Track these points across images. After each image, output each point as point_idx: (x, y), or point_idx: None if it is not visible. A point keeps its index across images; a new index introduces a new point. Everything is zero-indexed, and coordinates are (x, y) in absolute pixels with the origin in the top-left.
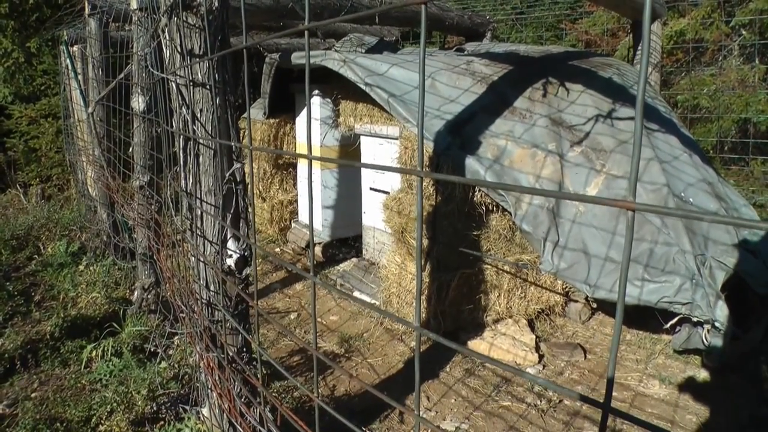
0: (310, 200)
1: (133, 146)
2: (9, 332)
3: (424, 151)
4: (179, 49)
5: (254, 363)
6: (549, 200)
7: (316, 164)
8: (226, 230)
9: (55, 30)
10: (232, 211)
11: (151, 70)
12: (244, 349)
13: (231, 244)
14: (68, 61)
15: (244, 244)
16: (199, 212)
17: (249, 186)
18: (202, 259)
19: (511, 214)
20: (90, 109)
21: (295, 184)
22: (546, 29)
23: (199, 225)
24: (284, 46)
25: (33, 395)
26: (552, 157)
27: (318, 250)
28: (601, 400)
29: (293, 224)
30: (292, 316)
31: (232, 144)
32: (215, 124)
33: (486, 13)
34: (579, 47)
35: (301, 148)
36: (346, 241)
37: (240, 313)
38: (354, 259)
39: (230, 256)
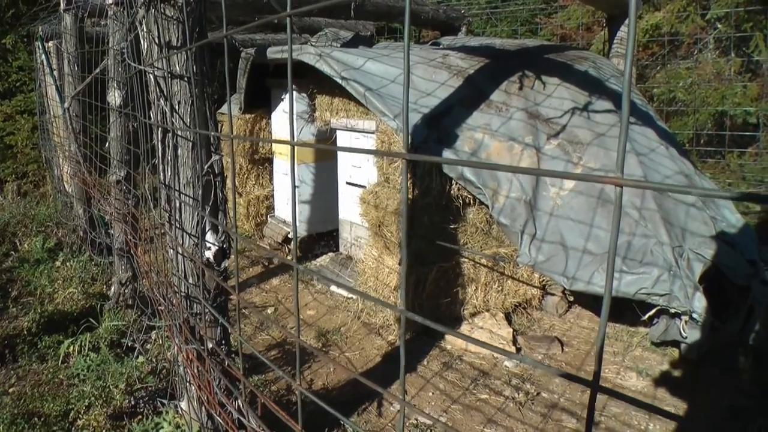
0: (293, 189)
1: (109, 141)
2: None
3: (401, 144)
4: (157, 41)
5: (233, 355)
6: (526, 193)
7: None
8: (205, 222)
9: (30, 26)
10: (210, 204)
11: (129, 62)
12: (223, 342)
13: (209, 236)
14: (43, 56)
15: (223, 236)
16: (178, 204)
17: (230, 177)
18: (180, 251)
19: (488, 207)
20: (66, 104)
21: (271, 180)
22: (521, 23)
23: (177, 217)
24: (259, 42)
25: (11, 390)
26: (529, 150)
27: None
28: (581, 392)
29: (269, 219)
30: (270, 310)
31: (211, 134)
32: (193, 116)
33: (461, 8)
34: (554, 41)
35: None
36: (323, 236)
37: (219, 305)
38: (330, 254)
39: (209, 249)
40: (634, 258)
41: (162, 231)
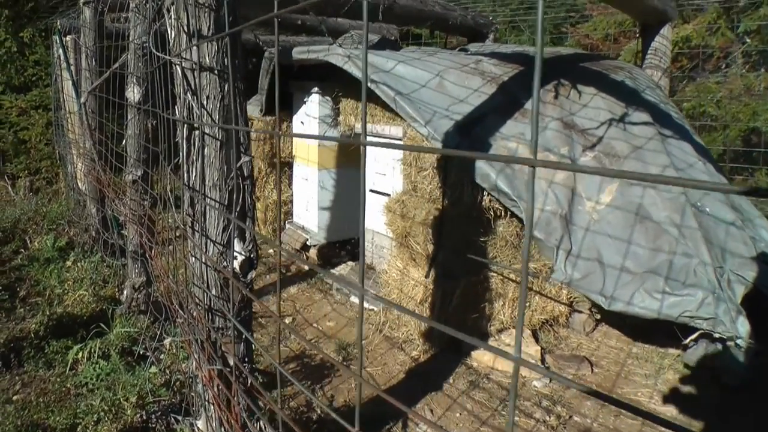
0: (363, 196)
1: (126, 139)
2: None
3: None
4: (186, 30)
5: (256, 373)
6: (562, 206)
7: (313, 164)
8: (231, 230)
9: (48, 19)
10: (239, 209)
11: (155, 52)
12: (246, 359)
13: (235, 244)
14: (60, 51)
15: (250, 245)
16: (202, 208)
17: (276, 179)
18: (204, 260)
19: (521, 220)
20: (82, 99)
21: (290, 184)
22: (547, 32)
23: (202, 223)
24: (282, 42)
25: (15, 398)
26: (564, 161)
27: (313, 252)
28: (614, 416)
29: (287, 225)
30: (287, 320)
31: (247, 131)
32: (223, 112)
33: (488, 14)
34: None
35: (299, 147)
36: (343, 244)
37: (243, 319)
38: (350, 263)
39: (235, 258)
40: (677, 279)
41: (181, 235)
